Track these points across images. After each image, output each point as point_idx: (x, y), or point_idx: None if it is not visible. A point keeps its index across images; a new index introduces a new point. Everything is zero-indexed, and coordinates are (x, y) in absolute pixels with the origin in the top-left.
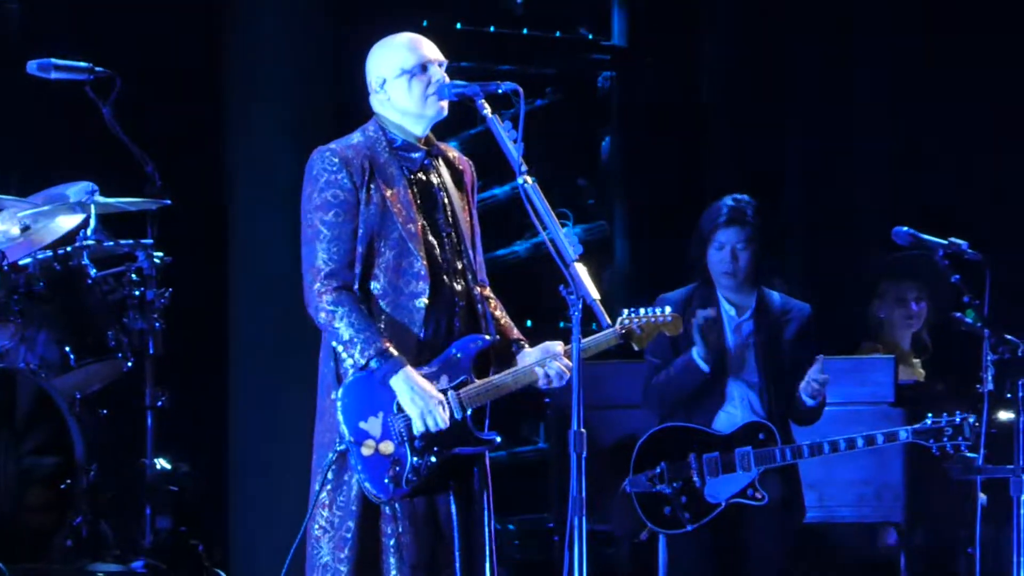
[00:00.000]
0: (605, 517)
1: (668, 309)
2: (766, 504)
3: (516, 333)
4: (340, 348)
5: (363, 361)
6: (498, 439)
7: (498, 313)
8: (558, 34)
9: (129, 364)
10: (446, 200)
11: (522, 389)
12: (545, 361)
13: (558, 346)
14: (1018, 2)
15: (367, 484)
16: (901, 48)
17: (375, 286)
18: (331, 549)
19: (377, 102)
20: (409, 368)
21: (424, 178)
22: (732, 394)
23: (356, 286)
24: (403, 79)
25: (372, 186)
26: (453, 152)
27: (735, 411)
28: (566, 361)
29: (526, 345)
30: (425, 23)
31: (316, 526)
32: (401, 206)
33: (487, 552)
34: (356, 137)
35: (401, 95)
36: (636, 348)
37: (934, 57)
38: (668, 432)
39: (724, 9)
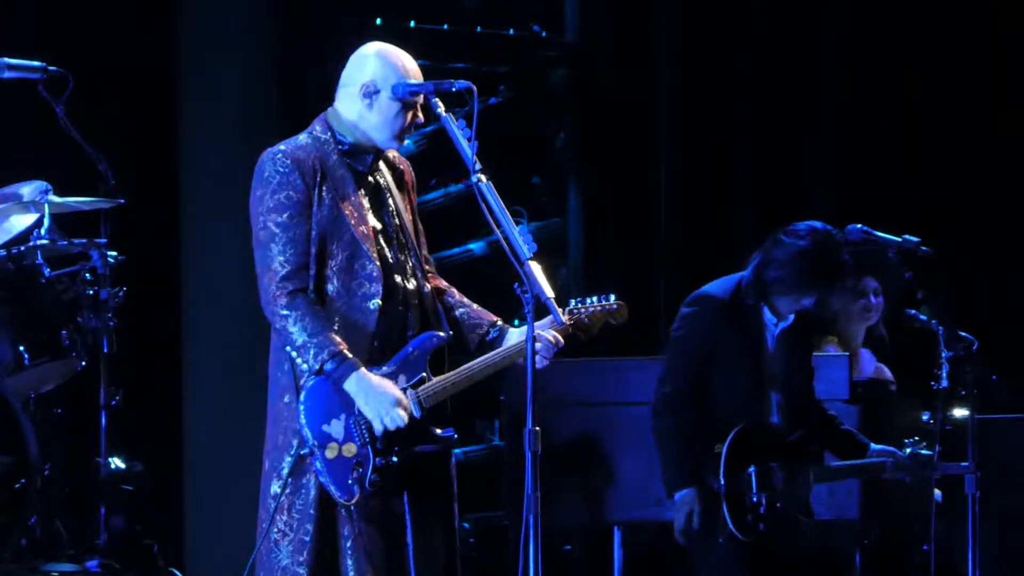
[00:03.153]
0: (557, 517)
1: (613, 297)
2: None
3: (492, 316)
4: (294, 353)
5: (316, 366)
6: (455, 436)
7: (466, 300)
8: (511, 32)
9: (83, 363)
10: (392, 201)
11: (491, 374)
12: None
13: (546, 323)
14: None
15: (331, 487)
16: (857, 42)
17: (328, 288)
18: (290, 552)
19: (348, 98)
20: (363, 370)
21: (372, 180)
22: (773, 403)
23: (311, 287)
24: (395, 104)
25: (324, 187)
26: (393, 152)
27: (775, 423)
28: (552, 334)
29: (508, 327)
30: (379, 21)
31: (275, 529)
32: (352, 208)
33: (447, 553)
34: (303, 138)
35: (380, 116)
36: (583, 338)
37: (889, 52)
38: (751, 431)
39: (677, 5)
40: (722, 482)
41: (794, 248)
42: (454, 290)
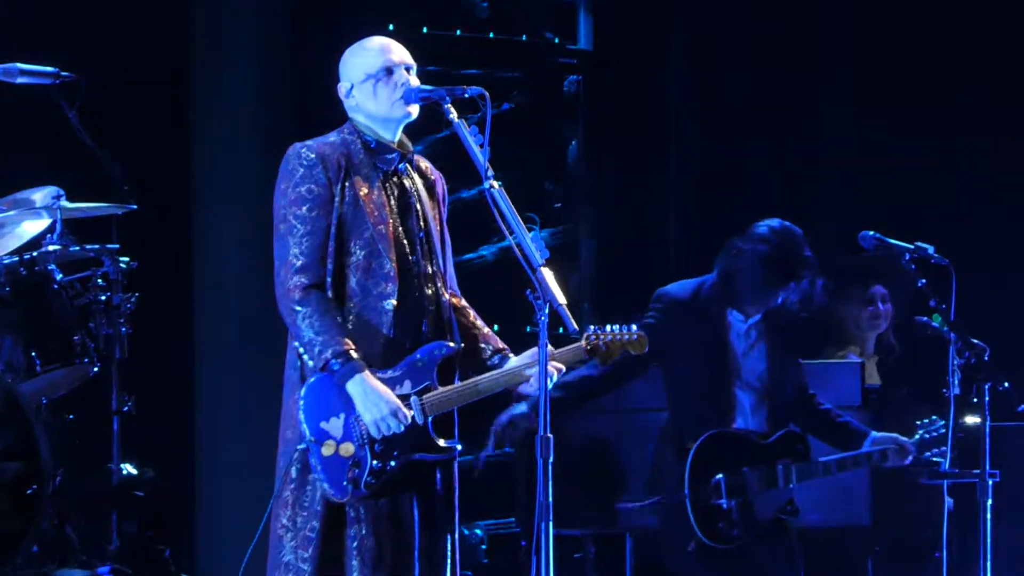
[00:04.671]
0: (568, 523)
1: (634, 328)
2: (797, 519)
3: (500, 343)
4: (301, 349)
5: (320, 363)
6: (459, 447)
7: (479, 323)
8: (524, 38)
9: (95, 369)
10: (419, 205)
11: (498, 391)
12: (534, 363)
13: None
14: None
15: (325, 484)
16: (866, 51)
17: (347, 284)
18: (293, 548)
19: (348, 107)
20: (367, 373)
21: (399, 181)
22: (743, 403)
23: (328, 281)
24: (368, 84)
25: (347, 183)
26: (425, 163)
27: (744, 421)
28: (557, 365)
29: (511, 355)
30: (392, 27)
31: (279, 525)
32: (374, 206)
33: (448, 559)
34: (332, 136)
35: (368, 100)
36: (602, 364)
37: (900, 60)
38: (720, 439)
39: (689, 12)
40: (686, 491)
41: (755, 254)
42: (470, 311)
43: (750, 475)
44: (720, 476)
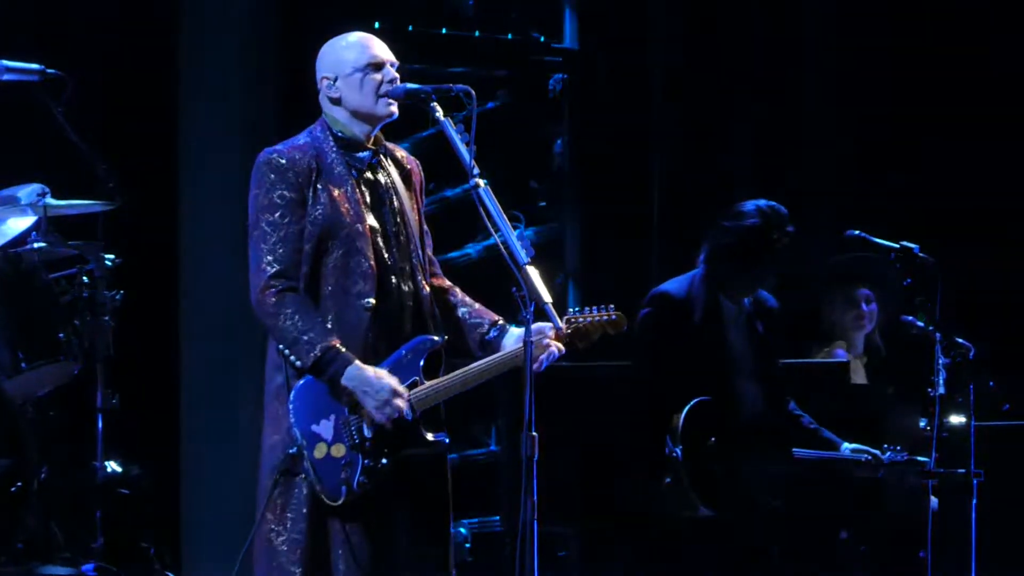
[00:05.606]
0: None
1: (612, 307)
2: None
3: (495, 316)
4: (286, 351)
5: (309, 362)
6: (447, 441)
7: (468, 299)
8: (510, 36)
9: (80, 366)
10: (395, 200)
11: (484, 381)
12: (539, 340)
13: (547, 327)
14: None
15: (319, 487)
16: (851, 48)
17: (323, 286)
18: (284, 551)
19: (326, 99)
20: (358, 363)
21: (372, 177)
22: (748, 394)
23: (302, 286)
24: (355, 77)
25: (319, 185)
26: (401, 152)
27: (752, 412)
28: (557, 345)
29: (509, 327)
30: (377, 24)
31: (267, 528)
32: (349, 205)
33: (443, 554)
34: (302, 139)
35: (352, 93)
36: (581, 347)
37: (885, 58)
38: (710, 407)
39: (675, 11)
40: (678, 451)
41: (743, 230)
42: (457, 290)
43: (741, 448)
44: (713, 439)
